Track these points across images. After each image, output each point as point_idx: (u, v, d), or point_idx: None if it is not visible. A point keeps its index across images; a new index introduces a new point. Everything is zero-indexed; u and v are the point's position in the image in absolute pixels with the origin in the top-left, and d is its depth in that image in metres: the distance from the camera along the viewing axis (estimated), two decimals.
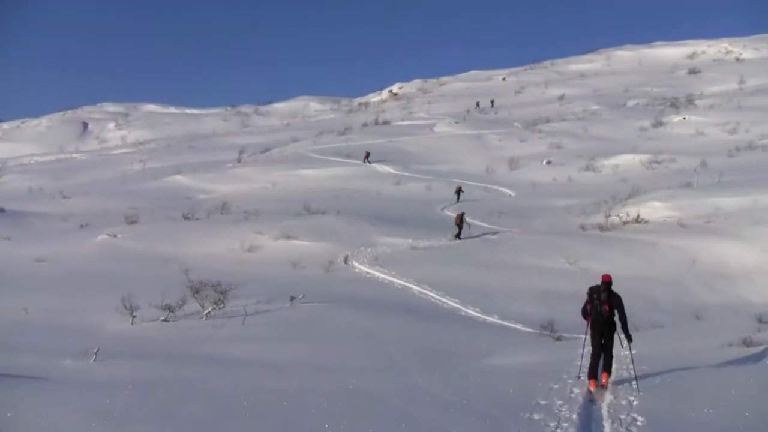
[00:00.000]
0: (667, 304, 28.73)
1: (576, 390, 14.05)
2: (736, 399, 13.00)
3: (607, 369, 14.07)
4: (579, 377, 14.80)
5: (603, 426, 11.66)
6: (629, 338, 13.94)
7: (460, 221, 37.26)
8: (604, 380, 13.93)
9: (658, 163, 56.20)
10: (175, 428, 10.91)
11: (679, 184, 45.00)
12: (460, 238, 36.93)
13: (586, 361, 14.94)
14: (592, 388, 13.77)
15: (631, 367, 14.72)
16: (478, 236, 37.34)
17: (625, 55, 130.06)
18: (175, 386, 14.47)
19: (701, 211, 37.72)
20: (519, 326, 25.58)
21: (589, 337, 14.30)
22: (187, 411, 12.22)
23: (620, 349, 15.94)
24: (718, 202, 38.24)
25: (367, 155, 66.02)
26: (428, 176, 60.25)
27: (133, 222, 41.75)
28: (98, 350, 18.31)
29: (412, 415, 12.40)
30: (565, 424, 11.61)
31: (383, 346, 21.39)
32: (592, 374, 13.86)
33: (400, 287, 29.80)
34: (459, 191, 51.77)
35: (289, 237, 36.43)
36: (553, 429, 11.38)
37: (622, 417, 11.97)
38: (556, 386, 14.36)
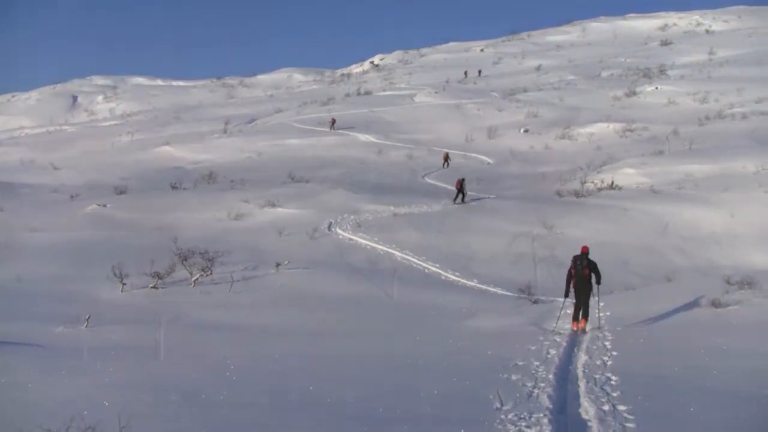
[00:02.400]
0: (639, 267, 29.21)
1: (552, 351, 14.50)
2: (705, 358, 13.51)
3: (585, 317, 17.27)
4: (554, 330, 17.11)
5: (578, 385, 11.96)
6: (599, 282, 17.58)
7: (460, 186, 37.60)
8: (583, 324, 17.12)
9: (632, 131, 56.34)
10: (164, 392, 11.12)
11: (651, 152, 45.48)
12: (464, 203, 37.38)
13: (563, 320, 17.91)
14: (575, 328, 17.05)
15: (602, 321, 17.97)
16: (458, 203, 37.64)
17: (600, 27, 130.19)
18: (164, 351, 14.85)
19: (673, 177, 38.25)
20: (497, 290, 25.95)
21: (573, 294, 17.62)
22: (176, 375, 12.51)
23: (595, 311, 16.87)
24: (689, 169, 38.79)
25: (333, 122, 65.96)
26: (409, 145, 60.19)
27: (122, 192, 41.73)
28: (90, 317, 18.53)
29: (396, 377, 12.80)
30: (542, 384, 11.92)
31: (367, 311, 21.77)
32: (576, 318, 17.28)
33: (382, 253, 30.02)
34: (447, 159, 51.88)
35: (274, 205, 36.56)
36: (531, 389, 11.71)
37: (597, 376, 12.35)
38: (533, 348, 14.81)
